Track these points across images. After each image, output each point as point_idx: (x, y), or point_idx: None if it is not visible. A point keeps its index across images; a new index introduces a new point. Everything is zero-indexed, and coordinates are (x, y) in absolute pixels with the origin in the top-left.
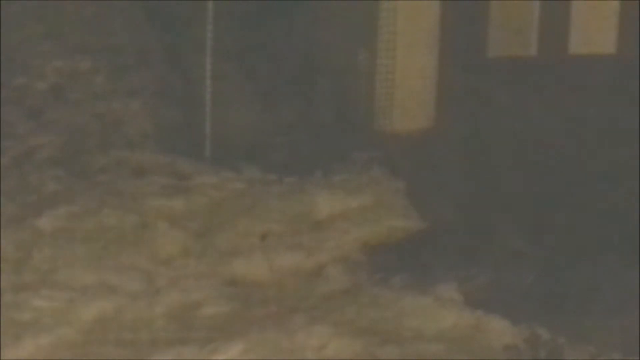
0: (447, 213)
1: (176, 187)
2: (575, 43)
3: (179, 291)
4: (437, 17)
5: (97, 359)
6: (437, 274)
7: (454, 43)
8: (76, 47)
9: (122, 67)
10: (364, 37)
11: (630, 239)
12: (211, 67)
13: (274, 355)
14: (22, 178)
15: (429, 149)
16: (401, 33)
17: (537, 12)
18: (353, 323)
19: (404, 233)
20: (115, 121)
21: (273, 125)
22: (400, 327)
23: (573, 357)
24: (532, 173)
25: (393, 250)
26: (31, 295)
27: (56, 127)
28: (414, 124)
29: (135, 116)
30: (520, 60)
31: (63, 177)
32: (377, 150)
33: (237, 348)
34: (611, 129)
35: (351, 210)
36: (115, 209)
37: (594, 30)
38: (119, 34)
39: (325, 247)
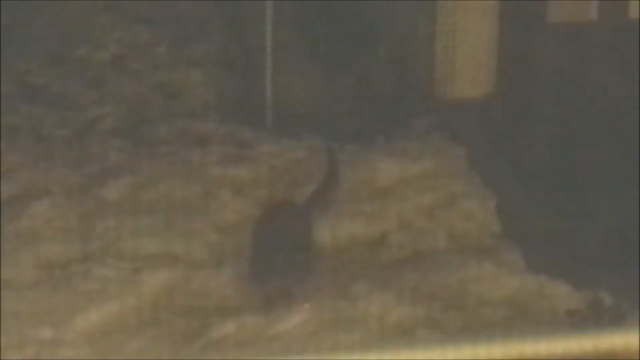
0: (509, 179)
1: (238, 156)
2: (635, 7)
3: (243, 259)
4: None
5: (161, 327)
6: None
7: (513, 9)
8: (136, 18)
9: (182, 38)
10: (424, 3)
11: None
12: (271, 36)
13: (336, 323)
14: (84, 149)
15: (489, 115)
16: None
17: None
18: (416, 290)
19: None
20: (177, 91)
21: (334, 93)
22: (463, 293)
23: (636, 322)
24: (594, 137)
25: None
26: (97, 264)
27: (118, 97)
28: (474, 90)
29: (196, 86)
30: (580, 25)
31: (126, 147)
32: (437, 117)
33: (302, 315)
34: None
35: (413, 176)
36: (178, 178)
37: None
38: (179, 4)
39: (387, 214)
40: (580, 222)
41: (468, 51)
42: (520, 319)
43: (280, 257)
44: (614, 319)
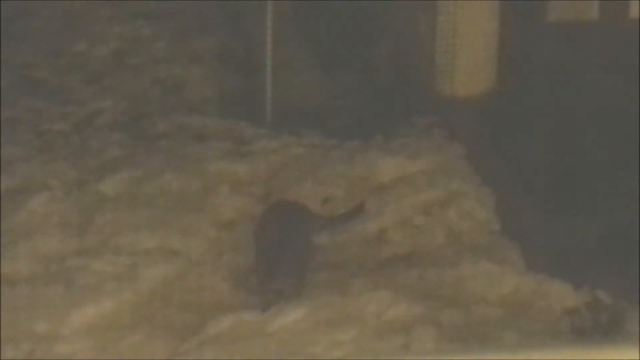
0: (508, 177)
1: (237, 151)
2: (636, 7)
3: (241, 255)
4: None
5: (159, 322)
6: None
7: (514, 7)
8: (137, 13)
9: (183, 32)
10: (425, 1)
11: None
12: (272, 32)
13: (334, 320)
14: (83, 143)
15: (489, 113)
16: None
17: None
18: (414, 287)
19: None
20: (177, 86)
21: (334, 89)
22: (461, 291)
23: (634, 321)
24: (593, 136)
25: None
26: (94, 259)
27: (117, 92)
28: (474, 87)
29: (196, 81)
30: (581, 24)
31: (125, 141)
32: (437, 114)
33: (298, 312)
34: None
35: (412, 174)
36: (177, 173)
37: None
38: None
39: (386, 211)
40: (580, 221)
41: (469, 49)
42: (518, 318)
43: (278, 253)
44: (613, 318)
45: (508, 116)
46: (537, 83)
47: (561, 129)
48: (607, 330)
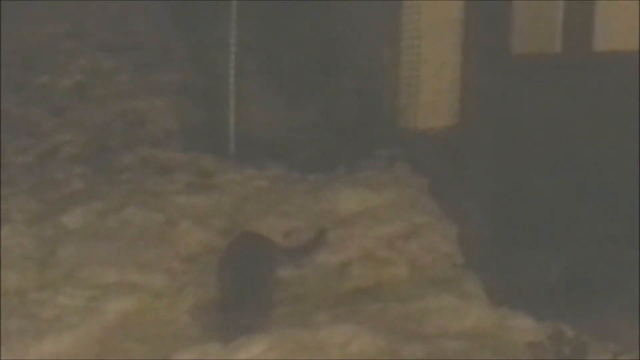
0: (471, 210)
1: (200, 184)
2: (599, 40)
3: (204, 288)
4: (461, 14)
5: (120, 356)
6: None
7: (477, 40)
8: (100, 46)
9: (145, 65)
10: (388, 34)
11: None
12: (235, 65)
13: (297, 353)
14: (46, 175)
15: (451, 146)
16: (425, 30)
17: (562, 10)
18: (377, 320)
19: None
20: (139, 119)
21: (297, 122)
22: (423, 324)
23: (597, 354)
24: (556, 168)
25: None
26: (55, 292)
27: (80, 124)
28: (437, 121)
29: (159, 114)
30: (544, 57)
31: (87, 174)
32: (400, 147)
33: (261, 345)
34: (635, 124)
35: (374, 207)
36: (139, 206)
37: (618, 27)
38: (142, 32)
39: (348, 244)
40: (542, 255)
41: (432, 82)
42: (481, 351)
43: (241, 286)
44: (575, 352)
45: (470, 149)
46: (499, 116)
47: (523, 163)
48: None
